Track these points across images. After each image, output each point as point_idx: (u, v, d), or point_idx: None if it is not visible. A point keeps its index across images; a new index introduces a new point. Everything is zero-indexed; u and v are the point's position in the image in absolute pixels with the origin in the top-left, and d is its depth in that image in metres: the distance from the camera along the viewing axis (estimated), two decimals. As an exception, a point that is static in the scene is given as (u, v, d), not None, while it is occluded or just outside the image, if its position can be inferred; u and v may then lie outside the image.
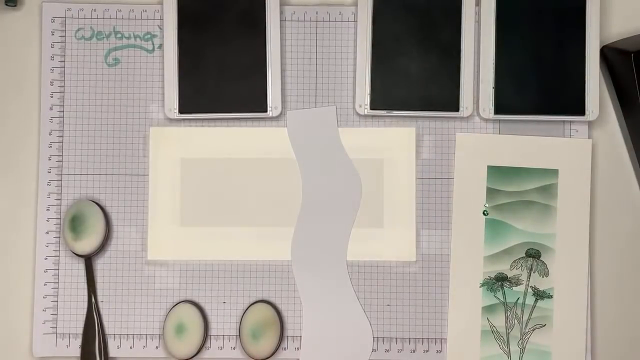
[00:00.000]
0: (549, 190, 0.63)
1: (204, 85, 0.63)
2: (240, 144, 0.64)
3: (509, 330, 0.62)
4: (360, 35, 0.63)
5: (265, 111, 0.63)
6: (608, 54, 0.63)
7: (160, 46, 0.64)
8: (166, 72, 0.63)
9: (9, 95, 0.65)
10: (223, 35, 0.63)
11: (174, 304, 0.63)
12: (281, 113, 0.63)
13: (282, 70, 0.64)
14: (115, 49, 0.64)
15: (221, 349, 0.63)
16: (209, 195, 0.63)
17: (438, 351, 0.63)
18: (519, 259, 0.63)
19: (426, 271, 0.63)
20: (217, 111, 0.63)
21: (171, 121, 0.64)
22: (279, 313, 0.62)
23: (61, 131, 0.64)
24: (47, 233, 0.63)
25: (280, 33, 0.63)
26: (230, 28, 0.63)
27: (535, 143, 0.63)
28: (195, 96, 0.63)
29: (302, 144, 0.64)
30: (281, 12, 0.64)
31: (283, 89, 0.64)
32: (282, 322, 0.62)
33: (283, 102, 0.64)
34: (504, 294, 0.63)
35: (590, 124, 0.64)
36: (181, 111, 0.63)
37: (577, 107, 0.63)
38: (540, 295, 0.62)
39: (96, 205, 0.63)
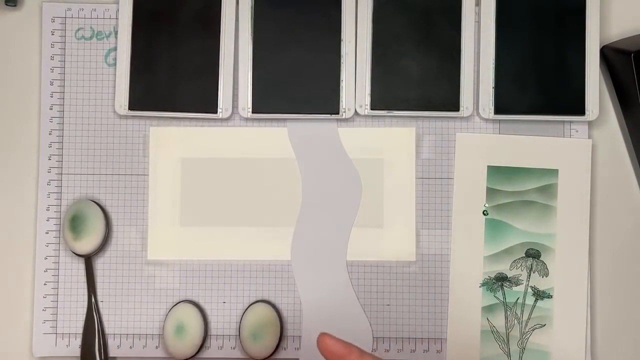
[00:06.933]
0: (549, 190, 0.63)
1: (155, 83, 0.62)
2: (240, 144, 0.64)
3: (509, 330, 0.62)
4: (360, 35, 0.63)
5: (215, 112, 0.63)
6: (608, 54, 0.63)
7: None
8: (118, 68, 0.63)
9: (9, 95, 0.65)
10: (177, 34, 0.62)
11: (174, 303, 0.63)
12: (232, 114, 0.63)
13: (235, 71, 0.63)
14: (115, 49, 0.64)
15: (221, 349, 0.63)
16: (209, 195, 0.63)
17: (438, 351, 0.63)
18: (519, 259, 0.63)
19: (426, 271, 0.63)
20: (167, 110, 0.63)
21: (171, 121, 0.64)
22: (279, 313, 0.62)
23: (61, 131, 0.64)
24: (47, 233, 0.63)
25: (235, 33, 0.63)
26: (185, 27, 0.63)
27: (535, 143, 0.63)
28: (146, 94, 0.62)
29: (302, 143, 0.64)
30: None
31: (235, 90, 0.63)
32: (282, 322, 0.62)
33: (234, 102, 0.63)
34: (503, 294, 0.63)
35: (590, 124, 0.64)
36: (131, 108, 0.63)
37: (577, 107, 0.63)
38: (540, 295, 0.62)
39: (96, 205, 0.63)
